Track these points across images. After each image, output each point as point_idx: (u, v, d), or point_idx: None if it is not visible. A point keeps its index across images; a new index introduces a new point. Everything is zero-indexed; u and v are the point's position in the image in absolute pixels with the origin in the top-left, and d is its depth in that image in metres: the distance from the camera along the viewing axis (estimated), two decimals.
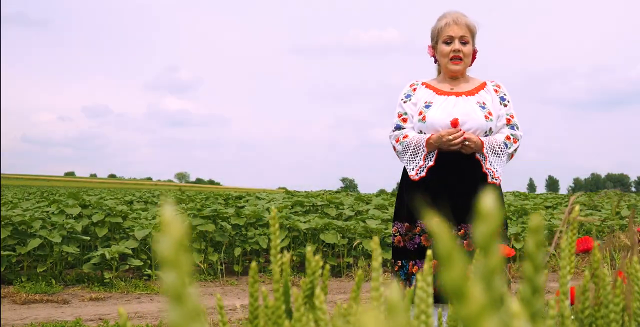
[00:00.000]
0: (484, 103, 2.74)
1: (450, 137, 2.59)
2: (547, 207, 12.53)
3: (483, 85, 2.83)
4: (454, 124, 2.64)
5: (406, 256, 2.71)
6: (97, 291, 5.91)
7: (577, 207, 0.80)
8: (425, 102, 2.76)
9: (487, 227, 0.26)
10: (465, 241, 2.63)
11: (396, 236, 2.77)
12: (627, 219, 9.92)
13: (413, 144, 2.70)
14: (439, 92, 2.79)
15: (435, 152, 2.67)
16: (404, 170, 2.82)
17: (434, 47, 2.85)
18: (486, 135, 2.72)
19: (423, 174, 2.69)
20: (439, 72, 2.93)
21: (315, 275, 0.75)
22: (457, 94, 2.76)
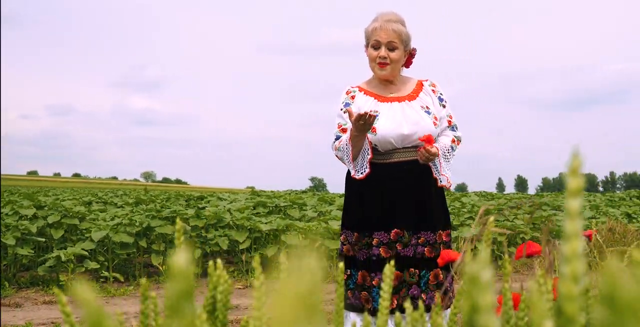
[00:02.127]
0: (427, 107, 2.67)
1: (362, 122, 2.45)
2: (511, 208, 12.60)
3: (420, 86, 2.76)
4: (427, 140, 2.55)
5: (356, 266, 2.65)
6: (52, 294, 5.78)
7: (492, 218, 0.77)
8: (371, 112, 2.62)
9: (178, 287, 0.23)
10: (425, 248, 2.59)
11: (345, 245, 2.70)
12: (589, 220, 10.04)
13: (344, 145, 2.62)
14: (380, 98, 2.71)
15: (370, 152, 2.59)
16: (348, 177, 2.75)
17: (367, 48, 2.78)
18: (435, 141, 2.69)
19: (363, 174, 2.60)
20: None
21: (217, 290, 0.71)
22: (400, 99, 2.69)
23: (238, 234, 6.64)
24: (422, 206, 2.62)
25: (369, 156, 2.60)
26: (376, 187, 2.63)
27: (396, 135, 2.59)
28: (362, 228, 2.64)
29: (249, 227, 6.78)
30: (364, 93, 2.75)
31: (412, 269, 2.59)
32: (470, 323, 0.26)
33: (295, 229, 6.85)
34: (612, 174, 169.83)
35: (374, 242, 2.61)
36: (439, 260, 2.20)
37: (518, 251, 2.05)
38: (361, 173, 2.62)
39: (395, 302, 2.55)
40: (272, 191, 23.97)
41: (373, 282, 2.60)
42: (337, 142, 2.69)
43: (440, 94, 2.77)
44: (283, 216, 8.06)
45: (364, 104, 2.70)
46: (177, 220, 0.76)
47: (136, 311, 5.08)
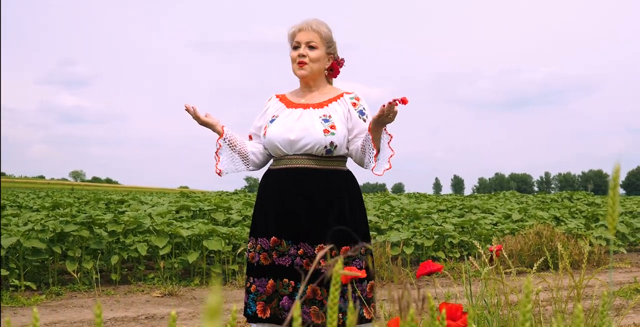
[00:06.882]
0: (329, 116, 2.59)
1: (196, 122, 2.74)
2: (441, 211, 12.46)
3: (338, 97, 2.69)
4: (403, 101, 2.32)
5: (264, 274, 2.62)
6: None
7: (340, 260, 0.72)
8: (272, 116, 2.68)
9: None
10: (304, 260, 2.53)
11: (250, 252, 2.66)
12: (518, 223, 10.11)
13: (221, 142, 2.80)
14: (289, 104, 2.70)
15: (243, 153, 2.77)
16: (260, 184, 2.73)
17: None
18: (328, 150, 2.58)
19: (219, 168, 2.74)
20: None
21: None
22: (305, 106, 2.66)
23: (158, 239, 6.45)
24: (308, 216, 2.54)
25: (218, 148, 2.77)
26: (268, 193, 2.65)
27: (282, 140, 2.59)
28: (255, 234, 2.66)
29: (169, 232, 6.60)
30: (279, 99, 2.76)
31: (286, 280, 2.55)
32: None
33: (218, 234, 6.71)
34: (547, 174, 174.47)
35: (257, 248, 2.61)
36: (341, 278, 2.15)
37: (419, 269, 2.04)
38: (218, 171, 2.74)
39: (269, 311, 2.54)
40: (202, 192, 23.67)
41: (251, 289, 2.60)
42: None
43: (363, 108, 2.68)
44: (207, 220, 7.90)
45: (274, 110, 2.72)
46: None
47: (46, 321, 4.84)
